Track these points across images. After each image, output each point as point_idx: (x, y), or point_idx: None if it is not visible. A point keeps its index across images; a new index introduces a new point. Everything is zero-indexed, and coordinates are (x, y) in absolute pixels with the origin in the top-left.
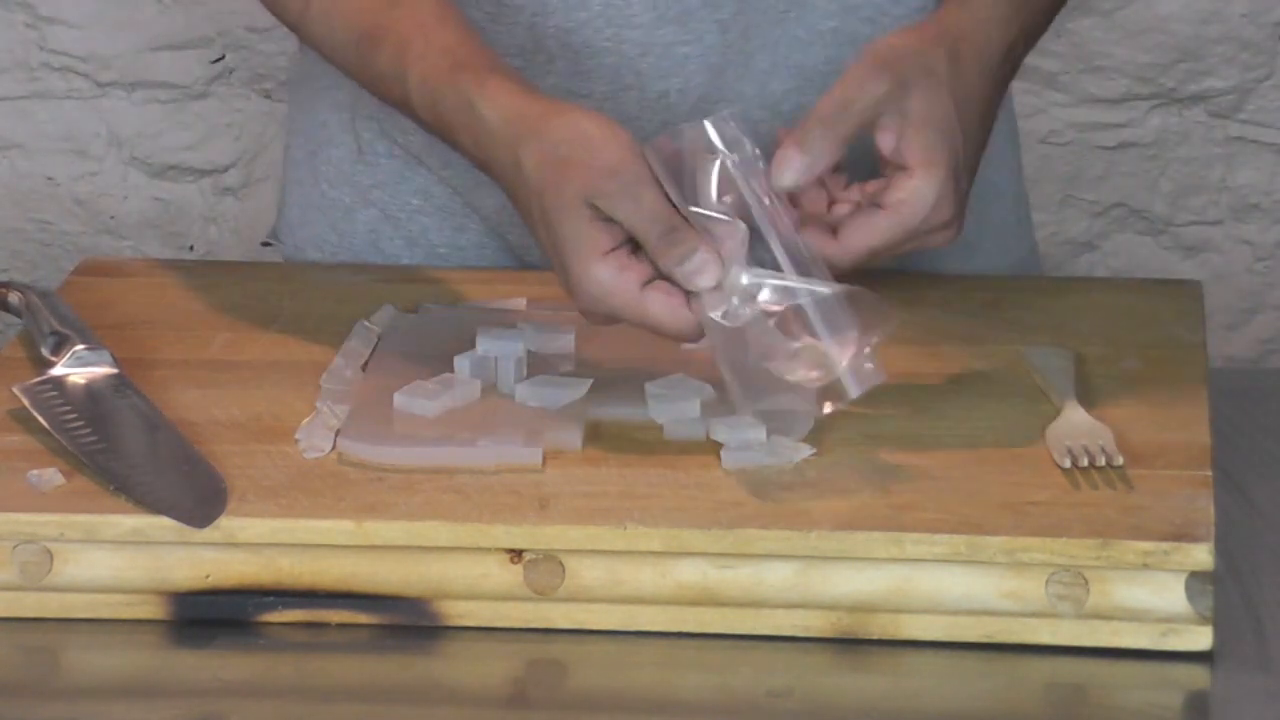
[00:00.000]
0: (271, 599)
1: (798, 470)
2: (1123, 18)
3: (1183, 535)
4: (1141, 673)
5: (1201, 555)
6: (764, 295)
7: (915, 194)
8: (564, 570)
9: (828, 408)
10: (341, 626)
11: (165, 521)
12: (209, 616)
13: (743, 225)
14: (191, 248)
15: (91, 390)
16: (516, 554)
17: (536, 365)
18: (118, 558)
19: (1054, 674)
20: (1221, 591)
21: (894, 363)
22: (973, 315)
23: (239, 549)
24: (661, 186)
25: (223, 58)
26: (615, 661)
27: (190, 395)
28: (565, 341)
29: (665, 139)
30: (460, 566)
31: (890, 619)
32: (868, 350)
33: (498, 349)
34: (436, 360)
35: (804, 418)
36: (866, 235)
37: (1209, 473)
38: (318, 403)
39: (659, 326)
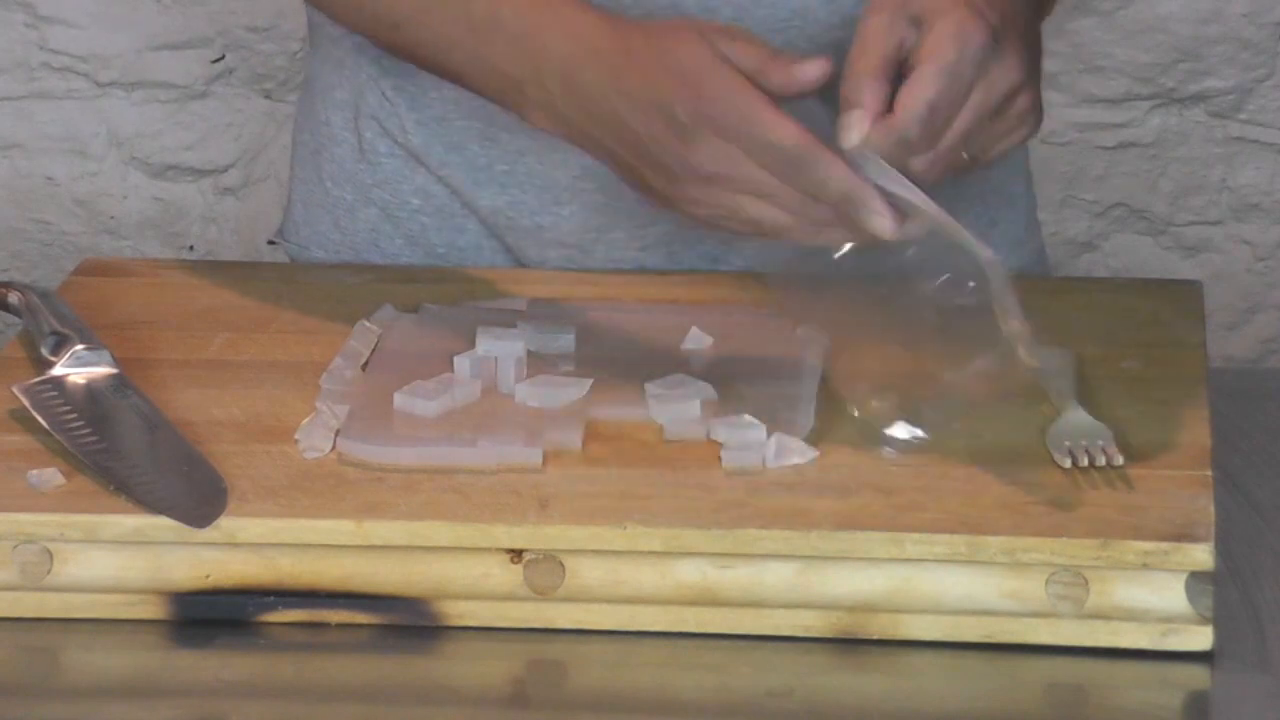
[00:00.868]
0: (271, 599)
1: (798, 470)
2: (1123, 18)
3: (1183, 535)
4: (1141, 673)
5: (1201, 555)
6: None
7: (940, 34)
8: (564, 570)
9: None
10: (341, 626)
11: (165, 521)
12: (209, 616)
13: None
14: (191, 248)
15: (91, 390)
16: (516, 554)
17: (536, 365)
18: (118, 558)
19: (1054, 674)
20: (1221, 591)
21: (895, 362)
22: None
23: (239, 549)
24: None
25: (223, 58)
26: (615, 661)
27: (190, 395)
28: (565, 341)
29: None
30: (460, 566)
31: (890, 619)
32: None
33: (498, 349)
34: (436, 360)
35: (804, 418)
36: (915, 89)
37: (1209, 473)
38: (318, 403)
39: (781, 140)
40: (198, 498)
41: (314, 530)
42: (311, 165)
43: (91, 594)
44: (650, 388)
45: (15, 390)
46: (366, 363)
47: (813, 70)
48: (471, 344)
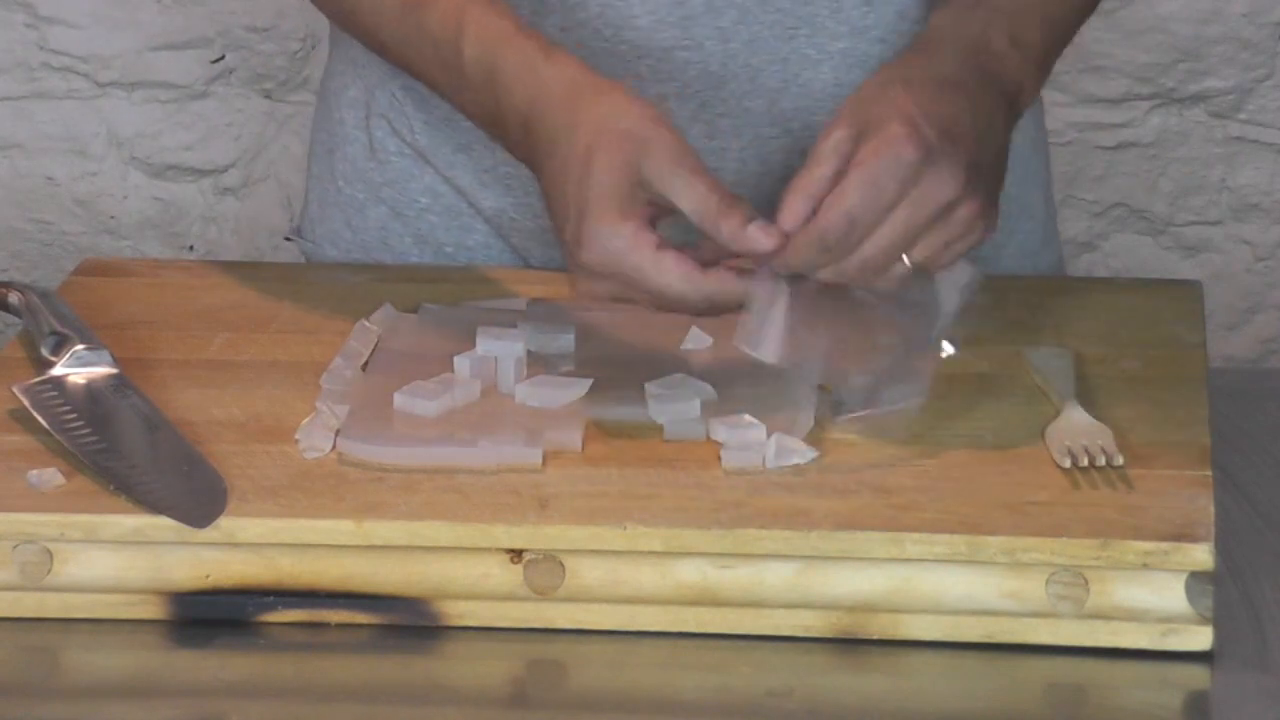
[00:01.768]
0: (271, 599)
1: (798, 470)
2: (1123, 18)
3: (1183, 535)
4: (1141, 673)
5: (1201, 555)
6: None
7: (870, 148)
8: (564, 570)
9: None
10: (341, 626)
11: (165, 521)
12: (209, 616)
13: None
14: (191, 248)
15: (91, 390)
16: (517, 554)
17: (536, 365)
18: (118, 558)
19: (1054, 674)
20: (1221, 591)
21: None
22: (973, 315)
23: (239, 549)
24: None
25: (223, 58)
26: (615, 661)
27: (190, 395)
28: (565, 341)
29: None
30: (460, 566)
31: (890, 619)
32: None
33: (498, 349)
34: (436, 360)
35: (804, 418)
36: (835, 199)
37: (1209, 473)
38: (318, 403)
39: (665, 289)
40: (198, 498)
41: (314, 530)
42: (326, 164)
43: (91, 594)
44: (650, 388)
45: (15, 390)
46: (366, 363)
47: (765, 240)
48: (471, 344)
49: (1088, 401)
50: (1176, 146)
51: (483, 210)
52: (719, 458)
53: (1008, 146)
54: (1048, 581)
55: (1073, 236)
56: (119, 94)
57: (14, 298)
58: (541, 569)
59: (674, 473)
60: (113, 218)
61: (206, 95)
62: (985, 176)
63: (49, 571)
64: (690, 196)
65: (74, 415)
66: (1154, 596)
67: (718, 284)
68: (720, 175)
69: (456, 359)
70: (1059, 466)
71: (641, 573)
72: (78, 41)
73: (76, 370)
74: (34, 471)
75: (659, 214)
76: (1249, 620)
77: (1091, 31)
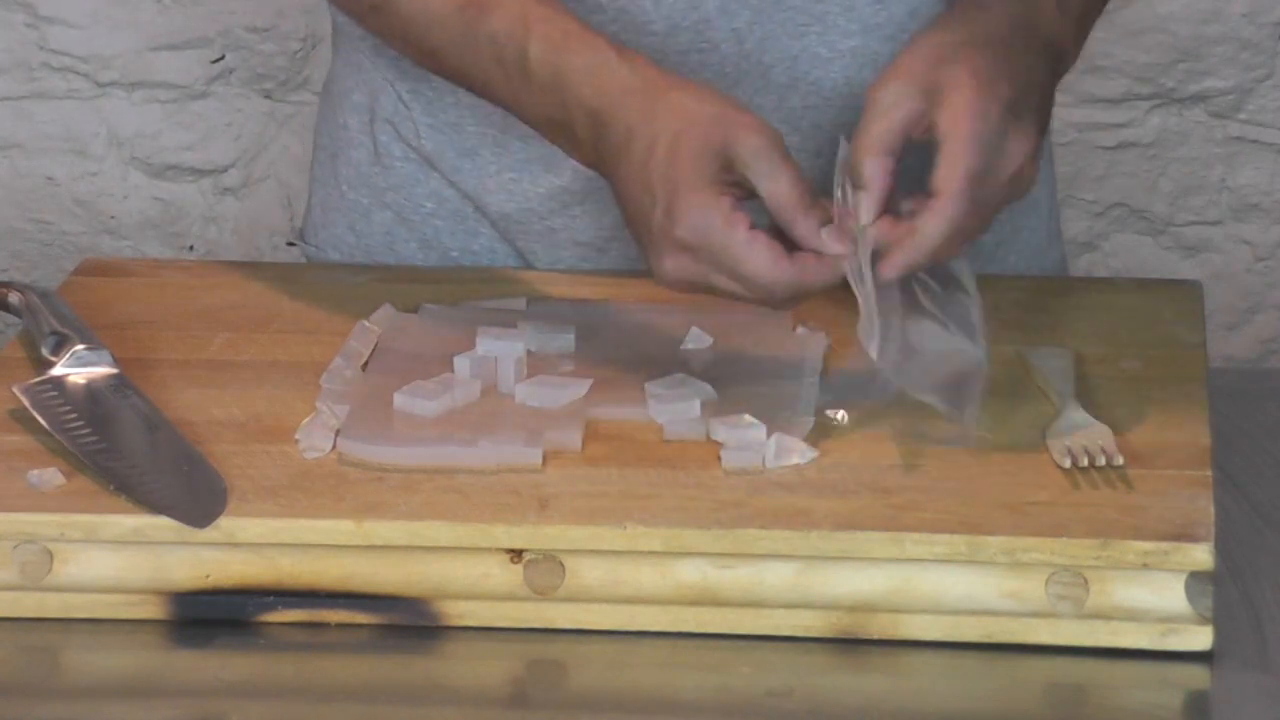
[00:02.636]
0: (271, 599)
1: (798, 470)
2: (1123, 18)
3: (1183, 535)
4: (1141, 673)
5: (1201, 555)
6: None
7: (957, 110)
8: (564, 570)
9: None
10: (341, 626)
11: (165, 521)
12: (209, 616)
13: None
14: (191, 248)
15: (91, 390)
16: (517, 554)
17: (536, 365)
18: (118, 558)
19: (1054, 674)
20: (1221, 591)
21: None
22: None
23: (239, 549)
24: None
25: (223, 58)
26: (615, 661)
27: (190, 395)
28: (565, 341)
29: None
30: (460, 566)
31: (890, 619)
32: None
33: (498, 349)
34: (436, 360)
35: (804, 418)
36: (950, 163)
37: (1209, 473)
38: (318, 403)
39: (755, 275)
40: (198, 498)
41: (314, 530)
42: (329, 168)
43: (91, 594)
44: (650, 388)
45: (15, 390)
46: (366, 363)
47: (836, 247)
48: (471, 344)
49: (1088, 401)
50: (1176, 146)
51: (489, 214)
52: (719, 458)
53: (1051, 108)
54: (1048, 581)
55: (1073, 236)
56: (119, 94)
57: (14, 298)
58: (541, 569)
59: (674, 473)
60: (113, 218)
61: (206, 95)
62: (1046, 124)
63: (49, 571)
64: (774, 184)
65: (74, 415)
66: (1154, 596)
67: (801, 272)
68: None
69: (456, 359)
70: (1059, 466)
71: (641, 573)
72: (78, 41)
73: (76, 370)
74: (34, 471)
75: (741, 197)
76: (1249, 620)
77: (1092, 31)
